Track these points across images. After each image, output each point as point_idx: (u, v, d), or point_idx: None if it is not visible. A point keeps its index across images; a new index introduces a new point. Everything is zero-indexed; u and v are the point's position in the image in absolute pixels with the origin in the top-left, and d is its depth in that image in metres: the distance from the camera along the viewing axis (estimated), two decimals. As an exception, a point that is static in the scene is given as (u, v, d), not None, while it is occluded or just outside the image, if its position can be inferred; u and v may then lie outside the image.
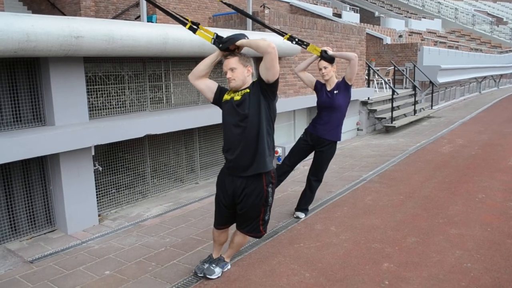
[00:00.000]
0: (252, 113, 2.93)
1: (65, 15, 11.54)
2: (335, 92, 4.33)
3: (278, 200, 5.12)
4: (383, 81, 12.35)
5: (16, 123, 3.98)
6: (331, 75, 4.33)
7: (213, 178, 6.03)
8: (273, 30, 4.45)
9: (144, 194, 5.37)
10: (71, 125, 4.12)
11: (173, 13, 3.05)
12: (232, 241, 3.31)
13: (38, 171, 4.23)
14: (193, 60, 5.55)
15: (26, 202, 4.16)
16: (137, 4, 11.92)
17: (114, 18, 12.32)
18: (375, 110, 10.24)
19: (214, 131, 6.07)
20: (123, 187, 5.12)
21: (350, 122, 9.64)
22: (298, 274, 3.26)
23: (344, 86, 4.31)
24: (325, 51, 4.24)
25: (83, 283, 3.22)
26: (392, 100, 10.33)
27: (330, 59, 4.25)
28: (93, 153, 4.41)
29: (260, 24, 4.50)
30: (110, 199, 4.94)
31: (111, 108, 4.83)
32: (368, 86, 10.79)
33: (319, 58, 4.30)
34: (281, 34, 4.30)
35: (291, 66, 6.98)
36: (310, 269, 3.33)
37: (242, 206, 3.07)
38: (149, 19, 10.59)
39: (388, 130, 10.39)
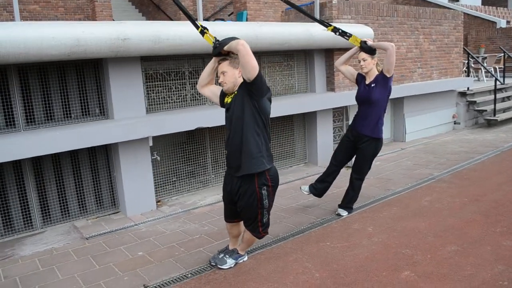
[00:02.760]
0: (235, 116, 2.98)
1: (167, 15, 12.54)
2: (372, 85, 4.09)
3: (329, 196, 4.99)
4: (492, 70, 11.02)
5: (84, 117, 4.56)
6: (371, 68, 4.10)
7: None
8: (316, 20, 4.38)
9: (205, 183, 5.69)
10: (127, 118, 4.57)
11: (189, 16, 3.18)
12: (243, 236, 3.39)
13: (103, 159, 4.80)
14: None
15: (93, 186, 4.76)
16: (231, 2, 12.36)
17: (212, 15, 12.98)
18: (475, 102, 9.22)
19: (274, 123, 6.14)
20: (183, 176, 5.50)
21: (445, 115, 8.80)
22: (308, 273, 3.21)
23: (381, 79, 4.05)
24: (365, 42, 4.04)
25: (116, 261, 3.61)
26: (495, 90, 9.17)
27: (370, 50, 4.04)
28: (151, 144, 4.82)
29: (306, 16, 4.44)
30: (171, 187, 5.36)
31: (171, 102, 5.20)
32: (468, 75, 9.73)
33: (360, 50, 4.11)
34: (325, 25, 4.23)
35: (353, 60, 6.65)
36: (322, 269, 3.25)
37: (239, 205, 3.15)
38: (240, 16, 10.92)
39: (491, 124, 9.27)
